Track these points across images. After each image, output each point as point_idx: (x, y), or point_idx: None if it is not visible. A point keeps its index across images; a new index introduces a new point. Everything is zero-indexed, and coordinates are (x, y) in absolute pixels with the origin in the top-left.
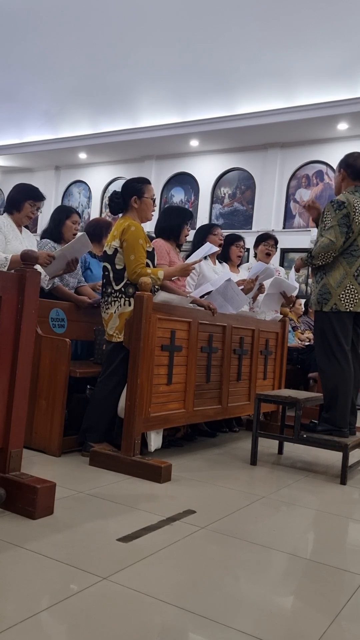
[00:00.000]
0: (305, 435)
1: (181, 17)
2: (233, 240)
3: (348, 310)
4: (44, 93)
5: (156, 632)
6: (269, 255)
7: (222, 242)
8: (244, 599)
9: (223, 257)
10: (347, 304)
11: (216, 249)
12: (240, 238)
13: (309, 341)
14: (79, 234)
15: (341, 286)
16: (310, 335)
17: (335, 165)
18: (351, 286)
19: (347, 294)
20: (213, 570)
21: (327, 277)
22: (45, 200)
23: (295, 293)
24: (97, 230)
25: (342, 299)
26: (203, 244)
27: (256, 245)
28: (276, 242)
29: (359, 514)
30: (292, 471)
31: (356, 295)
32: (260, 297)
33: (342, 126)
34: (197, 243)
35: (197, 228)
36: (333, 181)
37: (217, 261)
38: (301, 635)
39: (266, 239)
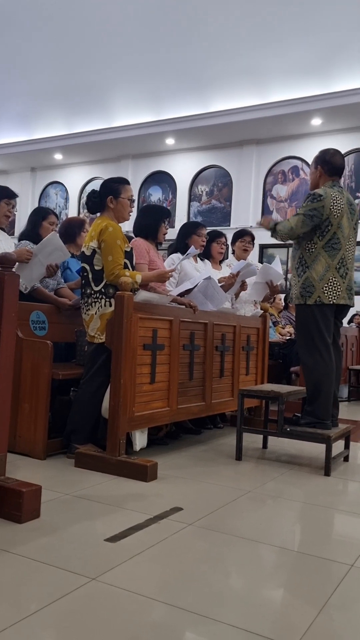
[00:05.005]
0: (289, 429)
1: (154, 17)
2: (214, 237)
3: (331, 302)
4: (18, 94)
5: (147, 630)
6: (246, 251)
7: (205, 243)
8: (233, 593)
9: (204, 254)
10: (330, 296)
11: (197, 251)
12: (221, 235)
13: (290, 336)
14: (50, 233)
15: (324, 279)
16: (291, 330)
17: (310, 161)
18: (334, 279)
19: (330, 287)
20: (201, 566)
21: (309, 270)
22: (18, 197)
23: (281, 281)
24: (69, 230)
25: (326, 292)
26: (186, 242)
27: (233, 242)
28: (253, 237)
29: (344, 505)
30: (277, 465)
31: (339, 287)
32: (243, 294)
33: (316, 121)
34: (181, 239)
35: (177, 226)
36: (309, 176)
37: (198, 259)
38: (290, 626)
39: (242, 236)
